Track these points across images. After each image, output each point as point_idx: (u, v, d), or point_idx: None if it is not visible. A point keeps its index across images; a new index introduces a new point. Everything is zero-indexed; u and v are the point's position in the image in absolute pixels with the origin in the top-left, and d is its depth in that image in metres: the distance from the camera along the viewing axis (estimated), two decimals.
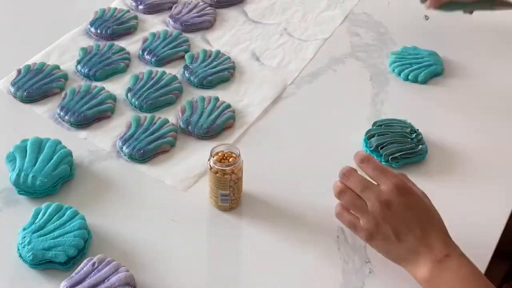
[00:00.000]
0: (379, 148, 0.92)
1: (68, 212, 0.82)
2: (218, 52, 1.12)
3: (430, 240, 0.72)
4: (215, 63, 1.10)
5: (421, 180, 0.93)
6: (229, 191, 0.84)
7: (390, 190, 0.73)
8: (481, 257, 0.81)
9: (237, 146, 0.97)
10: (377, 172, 0.75)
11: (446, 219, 0.87)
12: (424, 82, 1.07)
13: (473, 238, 0.83)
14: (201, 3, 1.26)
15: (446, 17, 1.23)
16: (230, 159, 0.83)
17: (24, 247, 0.78)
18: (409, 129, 0.94)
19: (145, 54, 1.12)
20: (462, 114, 1.02)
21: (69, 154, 0.90)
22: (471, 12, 1.12)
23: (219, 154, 0.84)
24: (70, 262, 0.79)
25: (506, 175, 0.92)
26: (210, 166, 0.82)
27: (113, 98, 1.03)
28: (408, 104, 1.03)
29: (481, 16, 1.15)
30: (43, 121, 1.00)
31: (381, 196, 0.73)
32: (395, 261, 0.75)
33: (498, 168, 0.93)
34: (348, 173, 0.76)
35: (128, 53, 1.13)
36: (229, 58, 1.11)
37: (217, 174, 0.82)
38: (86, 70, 1.07)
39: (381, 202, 0.72)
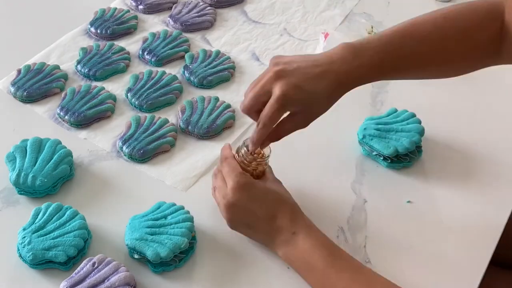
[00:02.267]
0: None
1: (68, 212, 0.82)
2: (218, 52, 1.12)
3: (278, 222, 0.79)
4: (215, 63, 1.10)
5: (420, 181, 0.93)
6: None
7: (231, 190, 0.79)
8: (480, 259, 0.81)
9: (237, 146, 0.97)
10: (227, 171, 0.81)
11: (446, 219, 0.88)
12: None
13: (473, 237, 0.84)
14: (201, 3, 1.25)
15: None
16: (260, 156, 0.82)
17: (24, 247, 0.78)
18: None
19: (145, 54, 1.12)
20: (463, 114, 1.02)
21: (69, 154, 0.90)
22: None
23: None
24: (70, 262, 0.79)
25: (505, 175, 0.92)
26: (238, 156, 0.82)
27: (113, 98, 1.03)
28: (408, 104, 1.03)
29: None
30: (43, 121, 1.00)
31: (226, 198, 0.80)
32: (261, 243, 0.82)
33: (498, 169, 0.93)
34: (214, 173, 0.84)
35: (128, 53, 1.13)
36: (229, 58, 1.11)
37: (241, 164, 0.82)
38: (86, 70, 1.07)
39: (226, 205, 0.80)
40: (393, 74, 0.84)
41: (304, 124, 0.81)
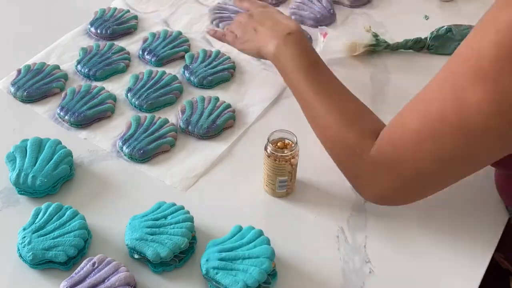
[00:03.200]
0: None
1: (68, 212, 0.82)
2: (218, 52, 1.12)
3: (279, 27, 0.94)
4: (215, 63, 1.10)
5: None
6: (287, 176, 0.85)
7: (254, 8, 1.02)
8: (481, 258, 0.81)
9: (237, 146, 0.97)
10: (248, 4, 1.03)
11: (446, 219, 0.88)
12: None
13: (473, 237, 0.84)
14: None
15: (447, 18, 1.23)
16: (288, 146, 0.85)
17: (24, 247, 0.78)
18: None
19: (145, 54, 1.12)
20: None
21: (69, 154, 0.90)
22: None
23: (277, 142, 0.85)
24: (70, 262, 0.79)
25: None
26: (268, 153, 0.84)
27: (113, 98, 1.03)
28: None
29: None
30: (43, 121, 1.00)
31: (243, 14, 1.02)
32: (259, 53, 0.97)
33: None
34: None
35: (128, 53, 1.13)
36: (229, 58, 1.11)
37: (276, 162, 0.84)
38: (86, 70, 1.07)
39: (246, 15, 1.01)
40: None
41: None
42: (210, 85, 1.07)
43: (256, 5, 1.03)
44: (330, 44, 1.11)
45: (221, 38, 1.06)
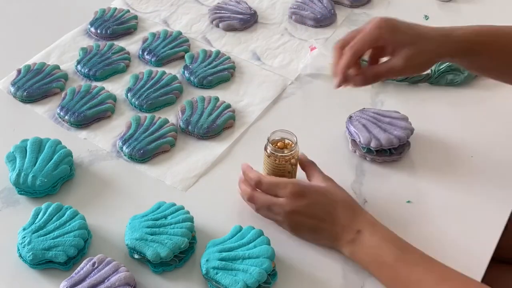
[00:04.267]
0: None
1: (68, 212, 0.82)
2: (218, 52, 1.12)
3: (341, 222, 0.80)
4: (215, 63, 1.10)
5: (420, 181, 0.93)
6: (287, 177, 0.85)
7: (289, 199, 0.80)
8: (482, 257, 0.81)
9: (237, 146, 0.97)
10: (271, 188, 0.82)
11: (446, 218, 0.87)
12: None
13: (474, 236, 0.83)
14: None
15: (447, 18, 1.23)
16: (288, 146, 0.85)
17: (24, 247, 0.78)
18: None
19: (145, 54, 1.12)
20: (463, 113, 1.02)
21: (69, 154, 0.90)
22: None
23: (277, 142, 0.85)
24: (70, 262, 0.79)
25: (505, 174, 0.92)
26: (268, 153, 0.84)
27: (113, 98, 1.03)
28: (408, 104, 1.03)
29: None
30: (43, 121, 1.00)
31: (285, 208, 0.81)
32: (327, 247, 0.82)
33: (499, 168, 0.93)
34: (251, 196, 0.84)
35: (128, 53, 1.13)
36: (229, 58, 1.11)
37: (276, 162, 0.84)
38: (86, 70, 1.07)
39: (288, 214, 0.81)
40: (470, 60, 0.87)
41: (399, 63, 0.83)
42: (210, 85, 1.06)
43: (283, 190, 0.81)
44: (316, 60, 1.10)
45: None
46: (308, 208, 0.80)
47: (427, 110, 1.02)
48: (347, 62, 0.83)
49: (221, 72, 1.08)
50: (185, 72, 1.08)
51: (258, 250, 0.77)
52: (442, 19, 1.22)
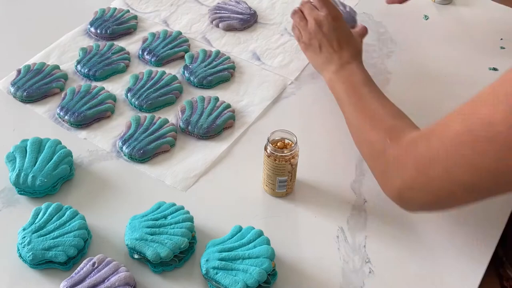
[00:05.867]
0: None
1: (68, 212, 0.82)
2: (218, 52, 1.12)
3: (342, 52, 0.96)
4: (215, 63, 1.10)
5: None
6: (287, 176, 0.85)
7: (325, 14, 0.98)
8: (482, 257, 0.81)
9: (237, 146, 0.97)
10: (320, 2, 0.99)
11: (446, 218, 0.87)
12: None
13: (474, 236, 0.84)
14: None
15: (446, 20, 1.23)
16: (288, 146, 0.85)
17: (24, 247, 0.78)
18: None
19: (145, 54, 1.12)
20: None
21: (69, 154, 0.90)
22: None
23: (277, 142, 0.86)
24: (70, 262, 0.79)
25: None
26: (268, 153, 0.84)
27: (113, 98, 1.03)
28: (408, 103, 1.03)
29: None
30: (43, 121, 1.00)
31: (317, 17, 0.99)
32: (318, 69, 1.00)
33: None
34: (304, 2, 1.03)
35: (128, 53, 1.13)
36: (229, 58, 1.11)
37: (276, 162, 0.84)
38: (86, 70, 1.07)
39: (315, 21, 0.99)
40: None
41: None
42: (210, 85, 1.07)
43: (327, 10, 0.99)
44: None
45: (292, 27, 1.06)
46: (331, 29, 0.97)
47: (428, 107, 1.02)
48: None
49: (221, 72, 1.08)
50: (185, 72, 1.08)
51: (258, 250, 0.77)
52: (440, 21, 1.22)
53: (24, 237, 0.79)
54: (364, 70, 0.94)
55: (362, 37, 1.03)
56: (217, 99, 1.02)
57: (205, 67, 1.08)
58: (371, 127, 0.82)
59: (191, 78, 1.07)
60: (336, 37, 0.97)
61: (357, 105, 0.88)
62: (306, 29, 1.00)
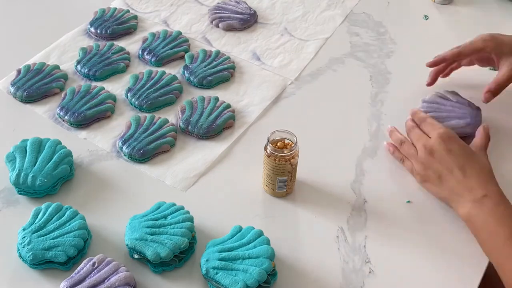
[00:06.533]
0: None
1: (68, 212, 0.82)
2: (218, 52, 1.12)
3: (470, 181, 0.82)
4: (214, 63, 1.10)
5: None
6: (287, 176, 0.85)
7: (434, 138, 0.86)
8: (482, 256, 0.81)
9: (237, 146, 0.97)
10: (426, 124, 0.90)
11: (446, 218, 0.87)
12: None
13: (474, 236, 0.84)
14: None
15: (446, 21, 1.23)
16: (287, 146, 0.85)
17: (24, 247, 0.78)
18: None
19: (145, 54, 1.12)
20: None
21: (69, 154, 0.90)
22: None
23: (277, 142, 0.86)
24: (70, 262, 0.79)
25: (505, 173, 0.92)
26: (268, 153, 0.84)
27: (113, 98, 1.03)
28: (407, 103, 1.03)
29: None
30: (43, 121, 1.00)
31: (427, 144, 0.87)
32: (442, 200, 0.86)
33: (499, 168, 0.93)
34: (410, 127, 0.92)
35: (128, 53, 1.13)
36: (229, 58, 1.11)
37: (276, 162, 0.84)
38: (86, 70, 1.07)
39: (426, 149, 0.86)
40: None
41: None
42: (210, 85, 1.06)
43: (435, 130, 0.87)
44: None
45: (401, 158, 0.92)
46: (446, 153, 0.85)
47: None
48: (447, 55, 0.99)
49: (221, 72, 1.08)
50: (185, 72, 1.08)
51: (258, 250, 0.77)
52: (440, 21, 1.22)
53: (24, 237, 0.79)
54: (506, 203, 0.80)
55: (486, 147, 0.89)
56: (217, 99, 1.02)
57: (205, 67, 1.08)
58: None
59: (191, 78, 1.07)
60: (455, 162, 0.84)
61: None
62: (417, 159, 0.88)
